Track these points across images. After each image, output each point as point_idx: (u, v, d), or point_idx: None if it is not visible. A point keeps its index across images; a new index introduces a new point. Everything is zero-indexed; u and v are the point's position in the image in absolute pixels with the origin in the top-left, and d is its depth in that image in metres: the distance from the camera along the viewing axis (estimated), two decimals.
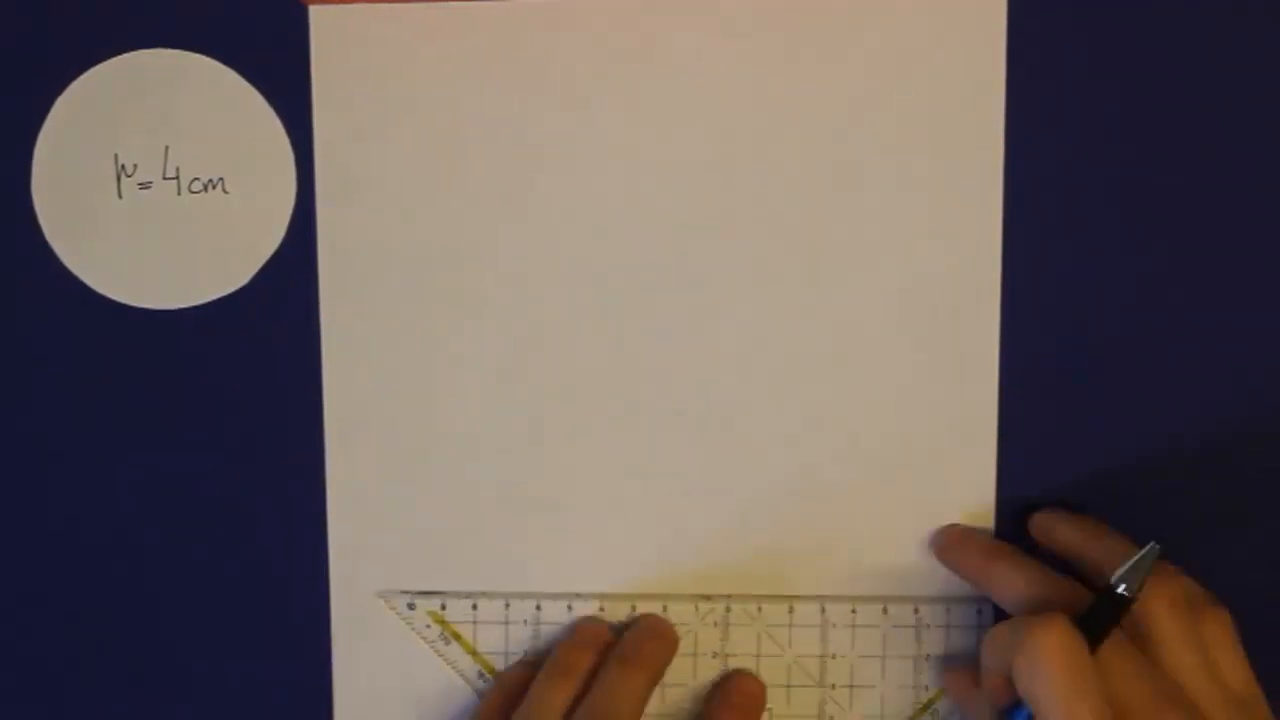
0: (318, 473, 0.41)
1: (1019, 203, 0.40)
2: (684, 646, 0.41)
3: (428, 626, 0.41)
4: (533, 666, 0.40)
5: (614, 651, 0.39)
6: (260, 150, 0.41)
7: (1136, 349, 0.40)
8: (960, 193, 0.40)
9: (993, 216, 0.40)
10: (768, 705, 0.41)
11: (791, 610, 0.41)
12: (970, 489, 0.41)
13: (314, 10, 0.40)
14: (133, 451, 0.42)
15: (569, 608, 0.41)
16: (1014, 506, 0.41)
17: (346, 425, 0.41)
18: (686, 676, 0.41)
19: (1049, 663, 0.32)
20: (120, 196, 0.41)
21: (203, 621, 0.42)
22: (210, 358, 0.41)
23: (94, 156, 0.41)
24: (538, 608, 0.41)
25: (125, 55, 0.41)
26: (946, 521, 0.41)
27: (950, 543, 0.40)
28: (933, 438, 0.41)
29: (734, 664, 0.41)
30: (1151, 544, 0.35)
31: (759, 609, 0.41)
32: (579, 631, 0.41)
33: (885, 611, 0.41)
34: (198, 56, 0.41)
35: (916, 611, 0.41)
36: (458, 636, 0.42)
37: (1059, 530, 0.39)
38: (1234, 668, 0.35)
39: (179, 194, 0.41)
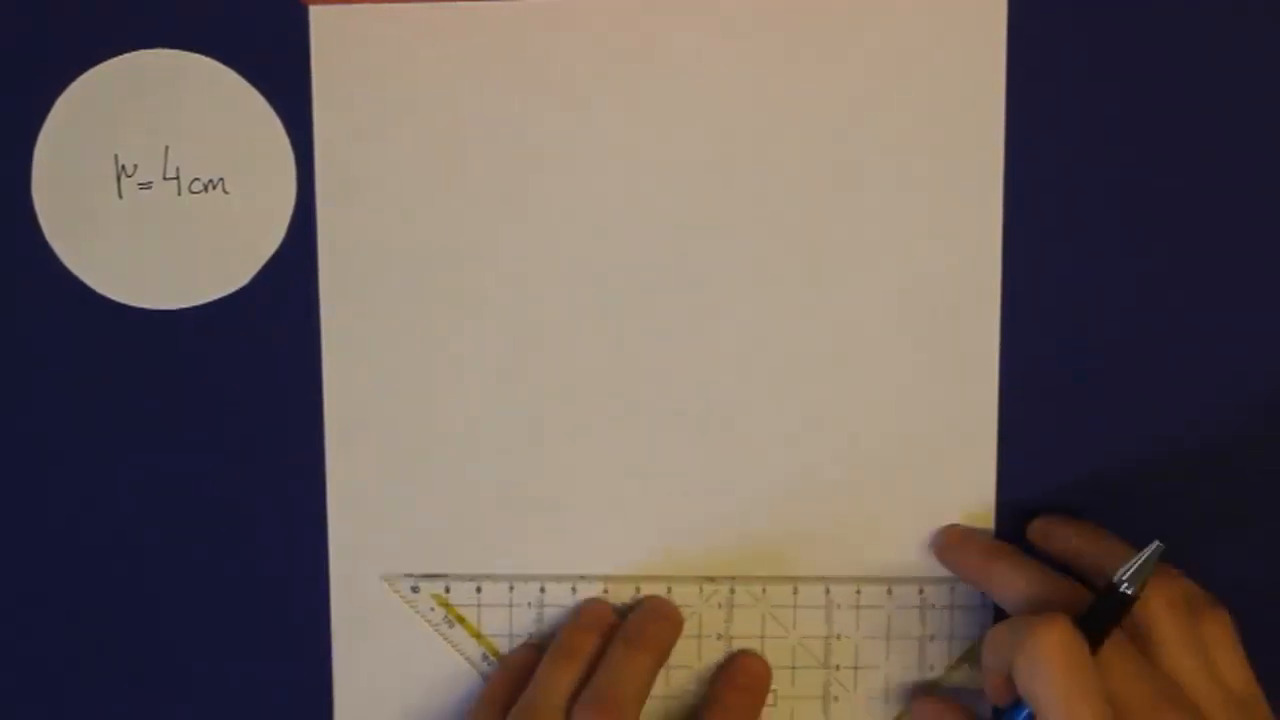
0: (318, 472, 0.41)
1: (1019, 203, 0.40)
2: (688, 628, 0.41)
3: (432, 610, 0.41)
4: (537, 649, 0.40)
5: (619, 633, 0.39)
6: (260, 150, 0.41)
7: (1136, 350, 0.40)
8: (960, 193, 0.40)
9: (993, 217, 0.40)
10: (773, 686, 0.41)
11: (796, 591, 0.41)
12: (970, 489, 0.41)
13: (314, 10, 0.40)
14: (133, 451, 0.42)
15: (573, 590, 0.41)
16: (1014, 507, 0.41)
17: (346, 425, 0.41)
18: (691, 658, 0.41)
19: (1049, 663, 0.32)
20: (120, 196, 0.41)
21: (203, 621, 0.42)
22: (210, 358, 0.41)
23: (94, 156, 0.41)
24: (542, 590, 0.41)
25: (125, 55, 0.41)
26: (946, 521, 0.41)
27: (950, 543, 0.40)
28: (933, 438, 0.41)
29: (738, 645, 0.41)
30: (1155, 542, 0.35)
31: (763, 590, 0.41)
32: (583, 614, 0.41)
33: (890, 592, 0.41)
34: (198, 56, 0.41)
35: (921, 592, 0.41)
36: (462, 620, 0.42)
37: (1057, 534, 0.39)
38: (1234, 668, 0.35)
39: (179, 194, 0.41)
